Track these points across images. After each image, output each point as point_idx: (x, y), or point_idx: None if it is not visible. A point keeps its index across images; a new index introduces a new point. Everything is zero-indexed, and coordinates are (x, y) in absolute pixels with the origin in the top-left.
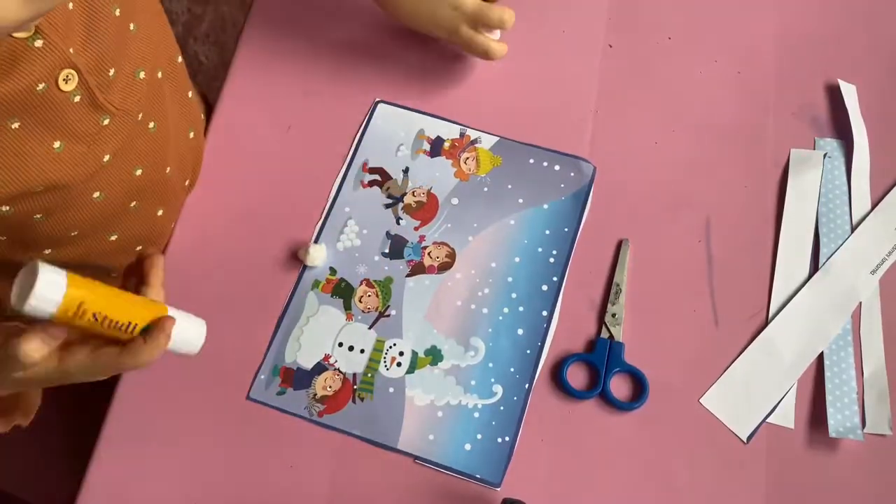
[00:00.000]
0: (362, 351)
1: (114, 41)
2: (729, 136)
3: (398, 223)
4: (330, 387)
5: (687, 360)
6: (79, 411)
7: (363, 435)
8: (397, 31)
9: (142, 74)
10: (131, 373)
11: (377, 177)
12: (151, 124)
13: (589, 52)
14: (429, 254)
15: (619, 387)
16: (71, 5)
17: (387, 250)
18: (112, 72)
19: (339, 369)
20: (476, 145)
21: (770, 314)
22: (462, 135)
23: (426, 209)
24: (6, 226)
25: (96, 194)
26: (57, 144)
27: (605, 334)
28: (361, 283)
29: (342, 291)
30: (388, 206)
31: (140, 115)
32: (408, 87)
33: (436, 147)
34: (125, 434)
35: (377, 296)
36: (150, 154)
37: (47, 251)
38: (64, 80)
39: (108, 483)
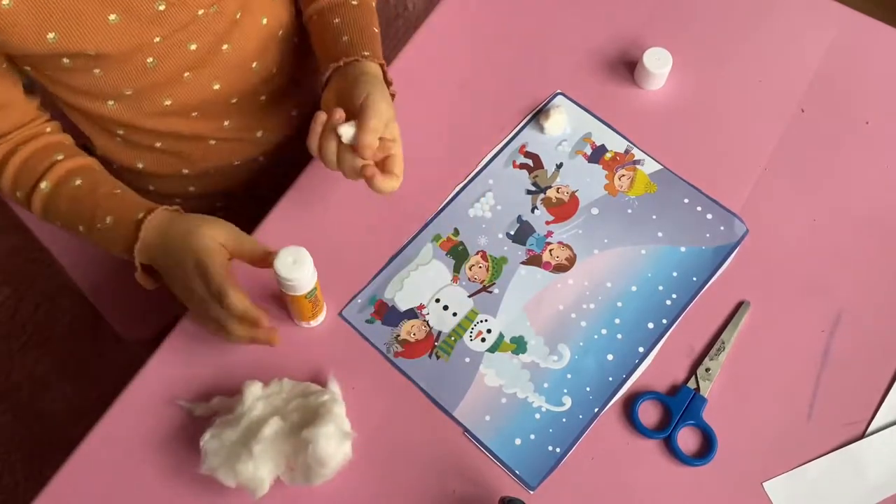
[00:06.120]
0: (455, 314)
1: None
2: (892, 238)
3: (532, 212)
4: (414, 335)
5: (765, 439)
6: None
7: (427, 390)
8: (588, 31)
9: None
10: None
11: (530, 162)
12: (213, 7)
13: (780, 109)
14: (550, 251)
15: (686, 439)
16: None
17: (512, 232)
18: None
19: (427, 322)
20: (637, 166)
21: (868, 429)
22: (627, 151)
23: (564, 208)
24: (70, 75)
25: (149, 60)
26: (112, 17)
27: (692, 384)
28: (477, 253)
29: (458, 254)
30: (529, 192)
31: (201, 11)
32: (589, 86)
33: (596, 154)
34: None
35: (487, 270)
36: (205, 32)
37: (110, 102)
38: None
39: (170, 367)
